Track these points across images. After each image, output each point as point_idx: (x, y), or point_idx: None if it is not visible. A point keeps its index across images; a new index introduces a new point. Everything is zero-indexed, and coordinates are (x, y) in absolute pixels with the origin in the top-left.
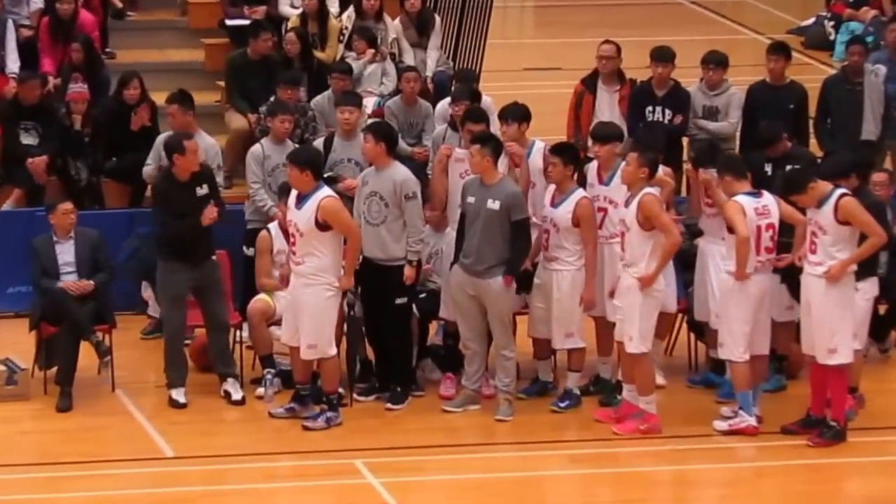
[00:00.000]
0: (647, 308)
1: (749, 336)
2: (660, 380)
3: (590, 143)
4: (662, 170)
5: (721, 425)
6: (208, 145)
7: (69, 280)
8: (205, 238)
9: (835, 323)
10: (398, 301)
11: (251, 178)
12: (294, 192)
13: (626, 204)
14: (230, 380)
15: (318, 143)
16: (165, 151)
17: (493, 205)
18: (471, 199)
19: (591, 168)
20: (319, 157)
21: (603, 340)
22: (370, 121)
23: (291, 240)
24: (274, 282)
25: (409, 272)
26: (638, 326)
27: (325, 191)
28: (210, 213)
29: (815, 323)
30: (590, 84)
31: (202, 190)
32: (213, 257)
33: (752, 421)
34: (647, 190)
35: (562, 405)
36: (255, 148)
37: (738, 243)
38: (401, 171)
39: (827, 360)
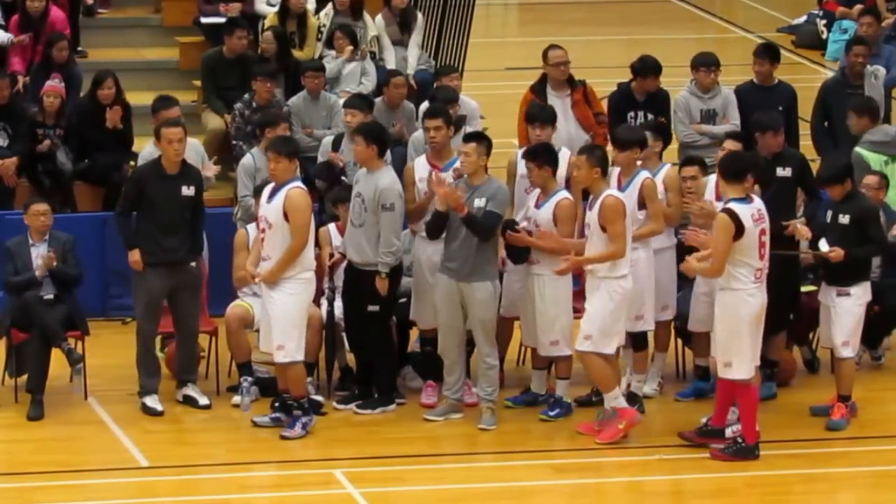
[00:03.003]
0: (612, 307)
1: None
2: (647, 390)
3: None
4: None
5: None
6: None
7: (44, 283)
8: (184, 242)
9: (732, 338)
10: (370, 308)
11: (242, 192)
12: (267, 189)
13: (590, 206)
14: (190, 385)
15: (327, 141)
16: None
17: (480, 202)
18: None
19: (612, 174)
20: (299, 146)
21: None
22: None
23: (261, 236)
24: (248, 271)
25: (379, 284)
26: (600, 325)
27: (298, 183)
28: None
29: (717, 336)
30: (539, 91)
31: (188, 190)
32: (193, 263)
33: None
34: (609, 192)
35: (551, 414)
36: (247, 159)
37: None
38: (385, 179)
39: (723, 373)
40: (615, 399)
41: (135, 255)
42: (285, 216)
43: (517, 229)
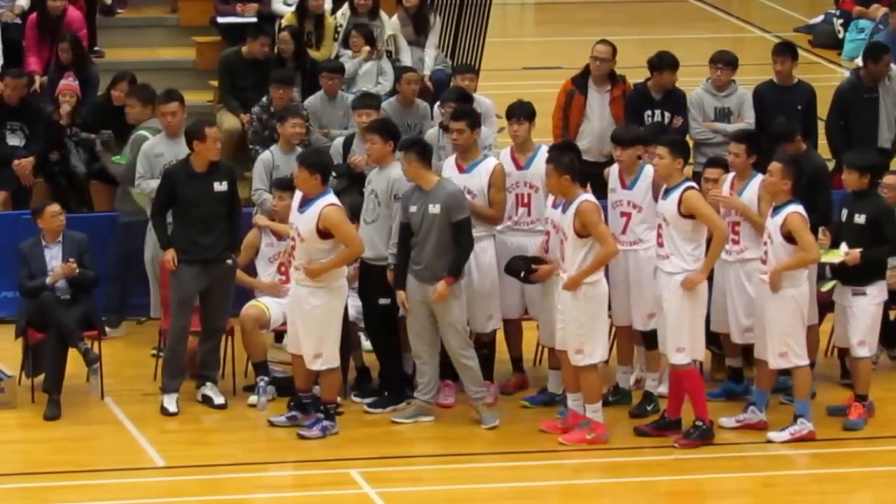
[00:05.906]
0: (593, 314)
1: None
2: (662, 389)
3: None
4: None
5: (781, 436)
6: None
7: (58, 283)
8: (220, 239)
9: (683, 322)
10: (381, 301)
11: (257, 185)
12: (298, 195)
13: (564, 210)
14: (209, 384)
15: (339, 142)
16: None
17: (434, 209)
18: (413, 209)
19: (613, 172)
20: (331, 161)
21: (623, 349)
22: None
23: (291, 243)
24: (257, 281)
25: (389, 276)
26: (589, 337)
27: (330, 198)
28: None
29: (668, 320)
30: (580, 84)
31: (220, 186)
32: (229, 261)
33: (811, 426)
34: (585, 197)
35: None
36: (265, 155)
37: (807, 259)
38: (397, 170)
39: (674, 358)
40: (595, 412)
41: (167, 255)
42: (319, 233)
43: (538, 262)
